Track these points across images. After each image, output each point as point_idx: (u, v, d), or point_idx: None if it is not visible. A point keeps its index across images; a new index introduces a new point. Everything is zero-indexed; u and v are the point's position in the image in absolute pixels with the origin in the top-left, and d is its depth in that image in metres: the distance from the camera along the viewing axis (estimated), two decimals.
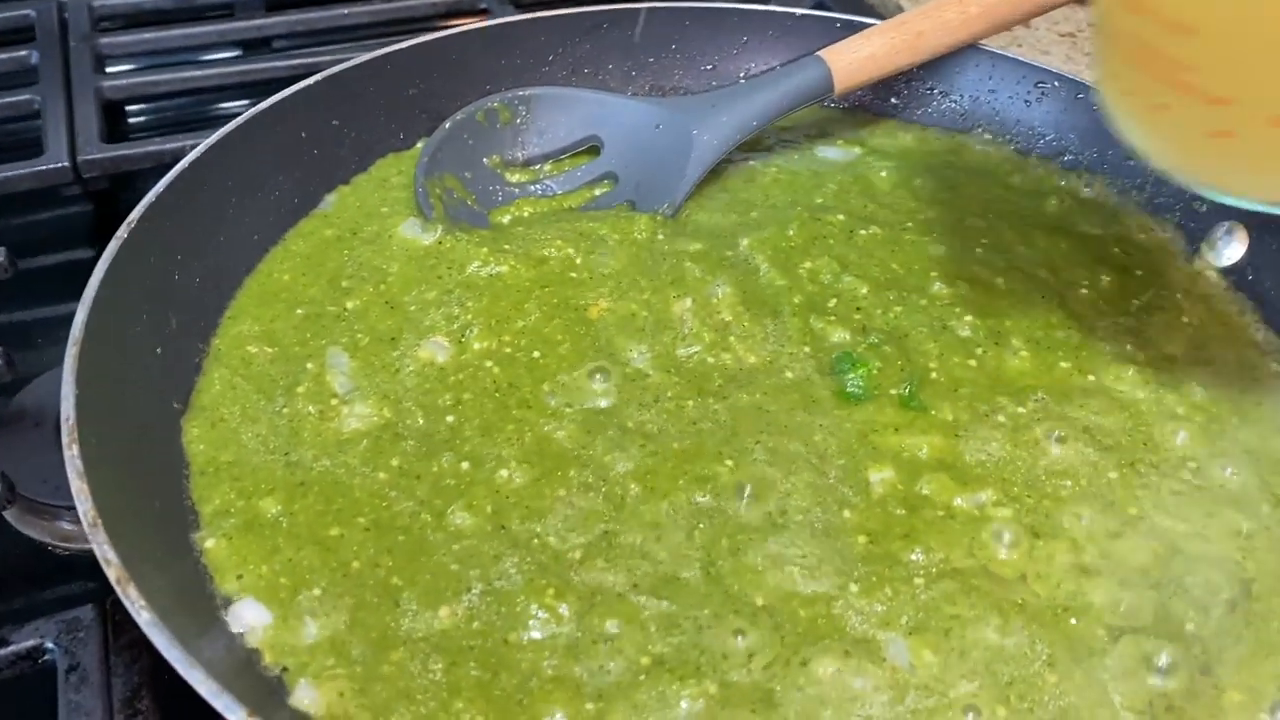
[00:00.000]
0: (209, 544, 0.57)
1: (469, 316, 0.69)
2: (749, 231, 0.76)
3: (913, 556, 0.57)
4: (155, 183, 0.69)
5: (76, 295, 0.61)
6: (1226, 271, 0.77)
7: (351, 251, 0.75)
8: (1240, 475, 0.63)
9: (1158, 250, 0.79)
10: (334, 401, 0.64)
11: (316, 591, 0.54)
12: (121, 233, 0.65)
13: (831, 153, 0.87)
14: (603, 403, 0.65)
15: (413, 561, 0.56)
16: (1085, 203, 0.83)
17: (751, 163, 0.85)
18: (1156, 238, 0.80)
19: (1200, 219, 0.80)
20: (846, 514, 0.59)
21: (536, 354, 0.67)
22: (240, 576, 0.55)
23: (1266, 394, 0.69)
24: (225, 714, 0.44)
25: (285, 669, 0.52)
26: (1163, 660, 0.54)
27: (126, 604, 0.47)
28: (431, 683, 0.51)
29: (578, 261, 0.73)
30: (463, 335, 0.68)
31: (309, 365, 0.66)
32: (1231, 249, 0.78)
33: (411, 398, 0.65)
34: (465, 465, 0.61)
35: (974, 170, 0.86)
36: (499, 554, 0.56)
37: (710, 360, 0.67)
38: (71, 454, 0.52)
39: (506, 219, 0.80)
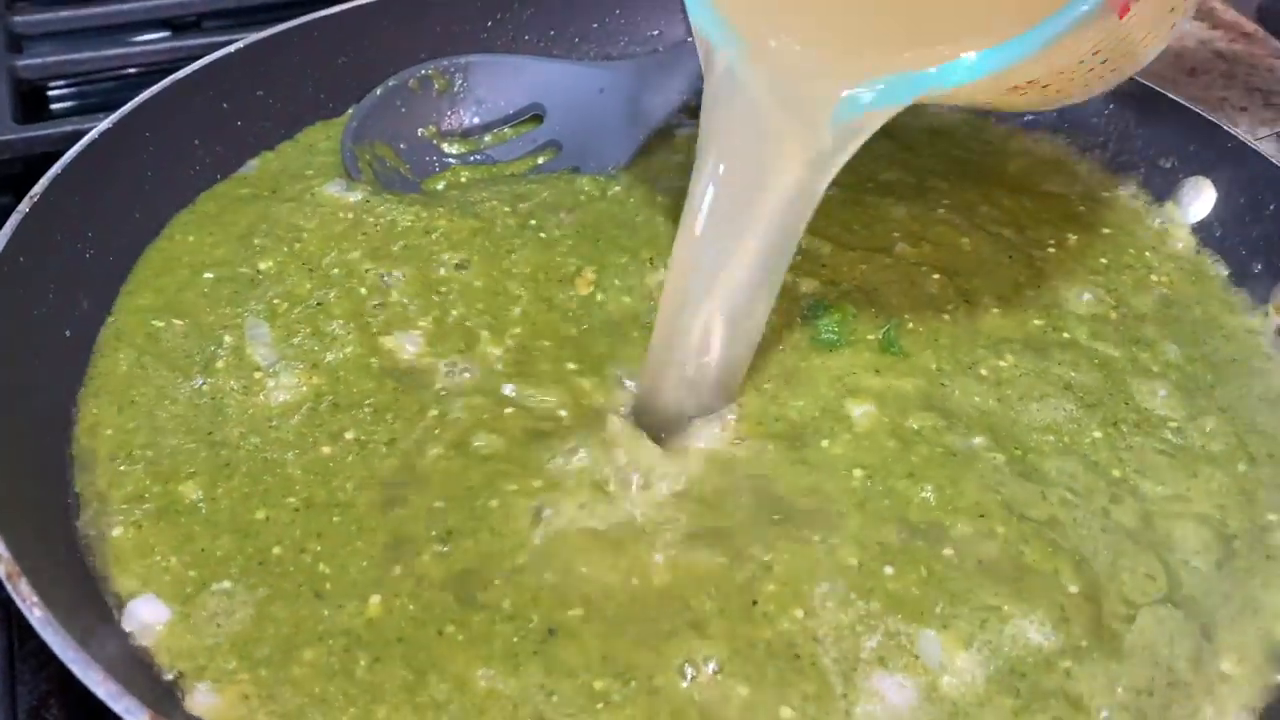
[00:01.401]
0: (115, 533, 0.52)
1: (398, 278, 0.65)
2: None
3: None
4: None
5: None
6: (1195, 229, 0.75)
7: (266, 209, 0.70)
8: (1219, 434, 0.60)
9: (1123, 209, 0.77)
10: (257, 375, 0.60)
11: (226, 584, 0.50)
12: (23, 207, 0.61)
13: None
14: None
15: (346, 545, 0.52)
16: (1047, 162, 0.81)
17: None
18: (1121, 196, 0.78)
19: (1164, 175, 0.77)
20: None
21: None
22: (146, 569, 0.50)
23: (1239, 351, 0.67)
24: (126, 717, 0.39)
25: (180, 673, 0.47)
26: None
27: (17, 601, 0.42)
28: (352, 684, 0.47)
29: (511, 223, 0.69)
30: (393, 299, 0.64)
31: (226, 338, 0.61)
32: (1198, 204, 0.76)
33: (346, 366, 0.60)
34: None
35: (932, 131, 0.83)
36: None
37: None
38: None
39: (441, 185, 0.76)
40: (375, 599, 0.49)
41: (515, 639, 0.48)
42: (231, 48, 0.75)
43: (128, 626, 0.48)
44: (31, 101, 0.95)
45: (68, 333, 0.61)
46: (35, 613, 0.42)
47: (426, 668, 0.47)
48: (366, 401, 0.58)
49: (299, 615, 0.49)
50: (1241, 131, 1.03)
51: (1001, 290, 0.68)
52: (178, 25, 1.12)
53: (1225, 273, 0.72)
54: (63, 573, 0.47)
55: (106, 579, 0.50)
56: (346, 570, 0.51)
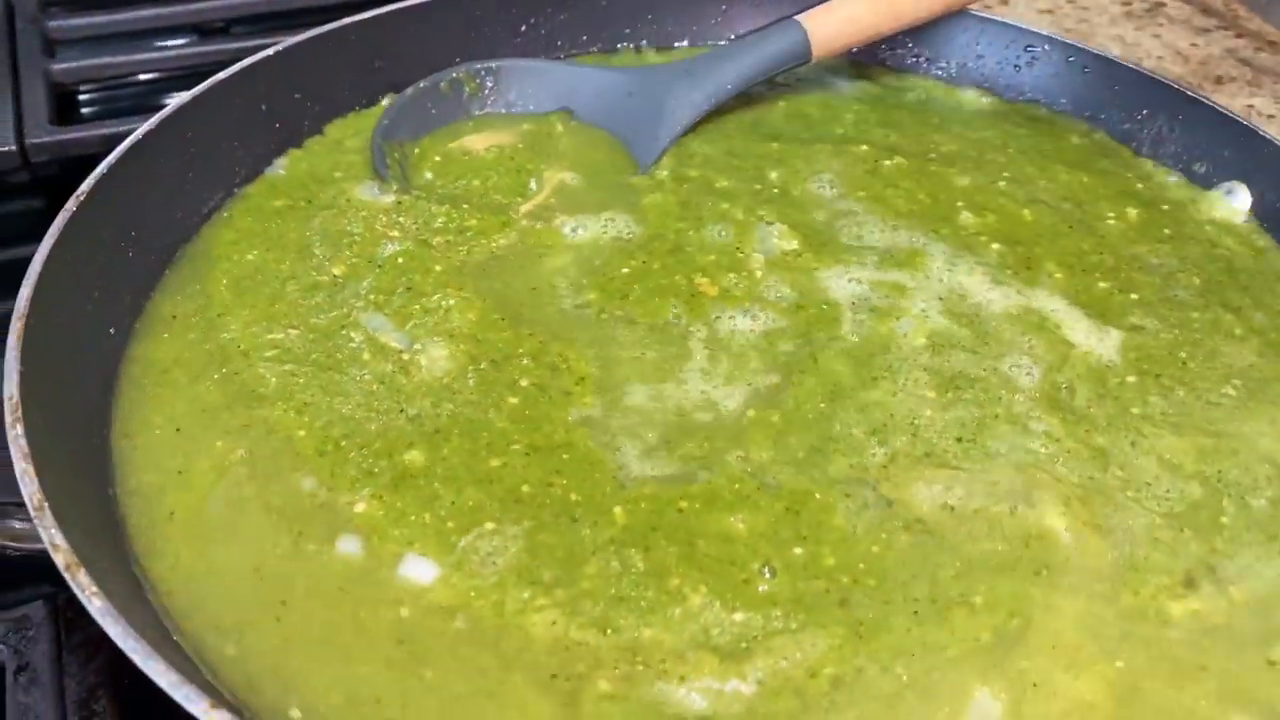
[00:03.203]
0: (359, 509, 0.54)
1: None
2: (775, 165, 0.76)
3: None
4: None
5: None
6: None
7: (308, 220, 0.71)
8: None
9: (1175, 189, 0.78)
10: (405, 357, 0.61)
11: (490, 525, 0.53)
12: (70, 205, 0.61)
13: (841, 83, 0.86)
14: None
15: (584, 476, 0.55)
16: (1100, 144, 0.82)
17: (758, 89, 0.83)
18: (1173, 180, 0.79)
19: (1200, 179, 0.77)
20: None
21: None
22: (404, 533, 0.53)
23: None
24: (186, 706, 0.39)
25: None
26: None
27: (76, 591, 0.42)
28: (639, 575, 0.51)
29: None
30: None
31: (352, 334, 0.62)
32: (1239, 201, 0.76)
33: (476, 327, 0.63)
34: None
35: (980, 112, 0.84)
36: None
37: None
38: (15, 434, 0.48)
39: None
40: (618, 509, 0.53)
41: (737, 486, 0.54)
42: (270, 50, 0.75)
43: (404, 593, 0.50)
44: (64, 104, 0.95)
45: (112, 330, 0.61)
46: (95, 603, 0.42)
47: (688, 537, 0.52)
48: (520, 350, 0.61)
49: (566, 539, 0.52)
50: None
51: (1064, 259, 0.69)
52: (205, 30, 1.13)
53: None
54: (122, 568, 0.47)
55: None
56: (591, 496, 0.54)
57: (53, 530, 0.44)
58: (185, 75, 1.04)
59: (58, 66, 0.96)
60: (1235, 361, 0.62)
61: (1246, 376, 0.62)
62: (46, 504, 0.45)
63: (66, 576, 0.43)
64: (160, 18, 1.06)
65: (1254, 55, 1.22)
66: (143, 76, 1.06)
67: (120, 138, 0.86)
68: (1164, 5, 1.32)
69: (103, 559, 0.46)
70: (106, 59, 0.99)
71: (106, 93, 1.07)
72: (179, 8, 1.07)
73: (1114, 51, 1.22)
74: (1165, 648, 0.50)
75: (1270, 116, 1.11)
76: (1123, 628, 0.50)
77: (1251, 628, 0.51)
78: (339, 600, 0.50)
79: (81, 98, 1.04)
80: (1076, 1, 1.31)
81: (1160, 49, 1.23)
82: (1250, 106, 1.12)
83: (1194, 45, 1.23)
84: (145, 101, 1.09)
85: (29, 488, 0.46)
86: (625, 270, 0.68)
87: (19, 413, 0.49)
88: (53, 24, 1.01)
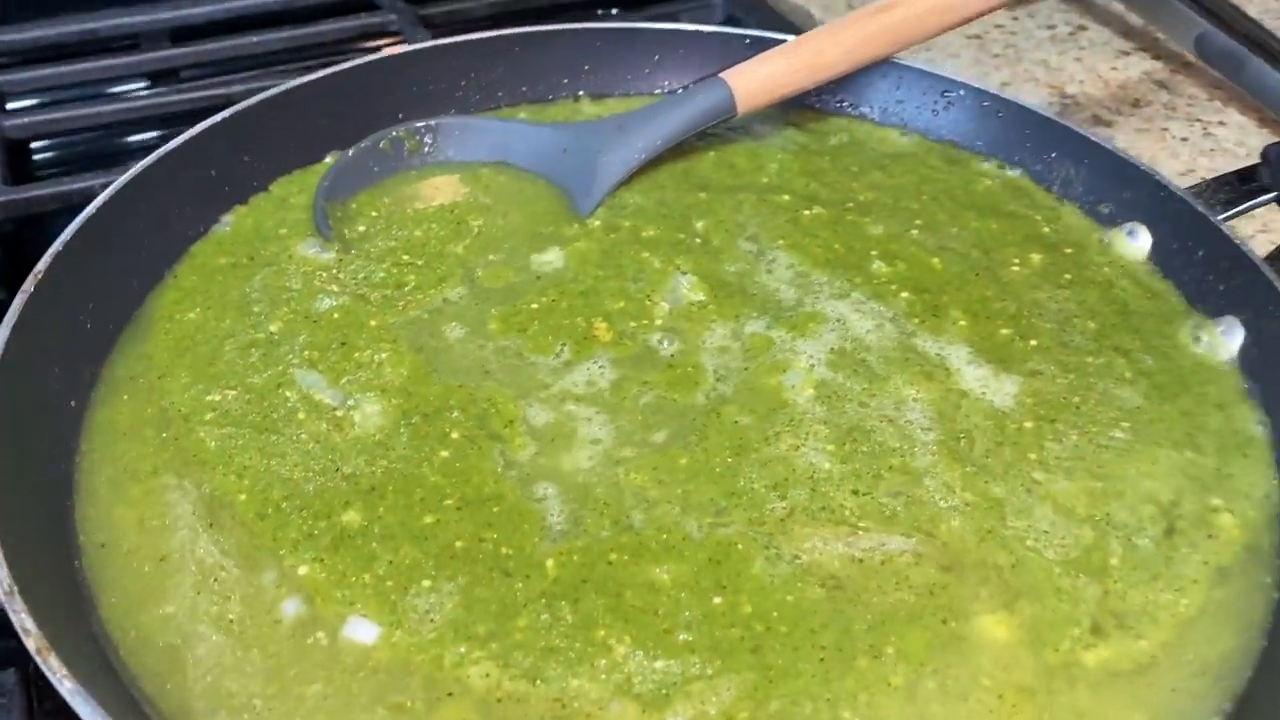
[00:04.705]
0: (302, 571, 0.57)
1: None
2: (702, 215, 0.80)
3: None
4: (64, 221, 0.69)
5: None
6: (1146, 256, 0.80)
7: (250, 276, 0.74)
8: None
9: (1080, 231, 0.82)
10: (339, 414, 0.65)
11: (426, 582, 0.57)
12: (28, 286, 0.64)
13: (768, 130, 0.90)
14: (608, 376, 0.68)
15: (515, 528, 0.59)
16: (1014, 185, 0.86)
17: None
18: (1079, 222, 0.83)
19: (1104, 218, 0.82)
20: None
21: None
22: (345, 595, 0.56)
23: (1198, 362, 0.72)
24: None
25: None
26: None
27: (48, 674, 0.46)
28: (568, 626, 0.55)
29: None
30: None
31: (287, 393, 0.66)
32: (1140, 241, 0.80)
33: (409, 381, 0.66)
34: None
35: (899, 155, 0.88)
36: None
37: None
38: None
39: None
40: (550, 562, 0.57)
41: (664, 537, 0.58)
42: (218, 117, 0.79)
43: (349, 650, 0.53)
44: (15, 156, 0.97)
45: (72, 403, 0.64)
46: (65, 685, 0.45)
47: (616, 588, 0.56)
48: (450, 401, 0.65)
49: (499, 593, 0.56)
50: (1177, 171, 1.08)
51: (969, 305, 0.73)
52: (155, 75, 1.15)
53: (1176, 291, 0.77)
54: (88, 646, 0.50)
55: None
56: (522, 548, 0.58)
57: (23, 615, 0.48)
58: (136, 121, 1.07)
59: (10, 123, 0.98)
60: (1124, 404, 0.67)
61: (1134, 418, 0.66)
62: (16, 589, 0.49)
63: (38, 660, 0.46)
64: (111, 68, 1.09)
65: (1170, 78, 1.27)
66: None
67: (74, 195, 0.90)
68: (1085, 29, 1.37)
69: (69, 634, 0.50)
70: (58, 114, 1.01)
71: (58, 140, 1.10)
72: (130, 58, 1.10)
73: (1039, 74, 1.27)
74: (1079, 697, 0.54)
75: (1184, 139, 1.16)
76: (1038, 680, 0.54)
77: (1166, 670, 0.55)
78: (293, 666, 0.53)
79: (32, 145, 1.07)
80: (1004, 26, 1.36)
81: (1082, 73, 1.28)
82: (1165, 129, 1.18)
83: (1114, 69, 1.29)
84: (96, 147, 1.11)
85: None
86: (534, 306, 0.72)
87: None
88: (3, 78, 1.04)
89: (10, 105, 1.03)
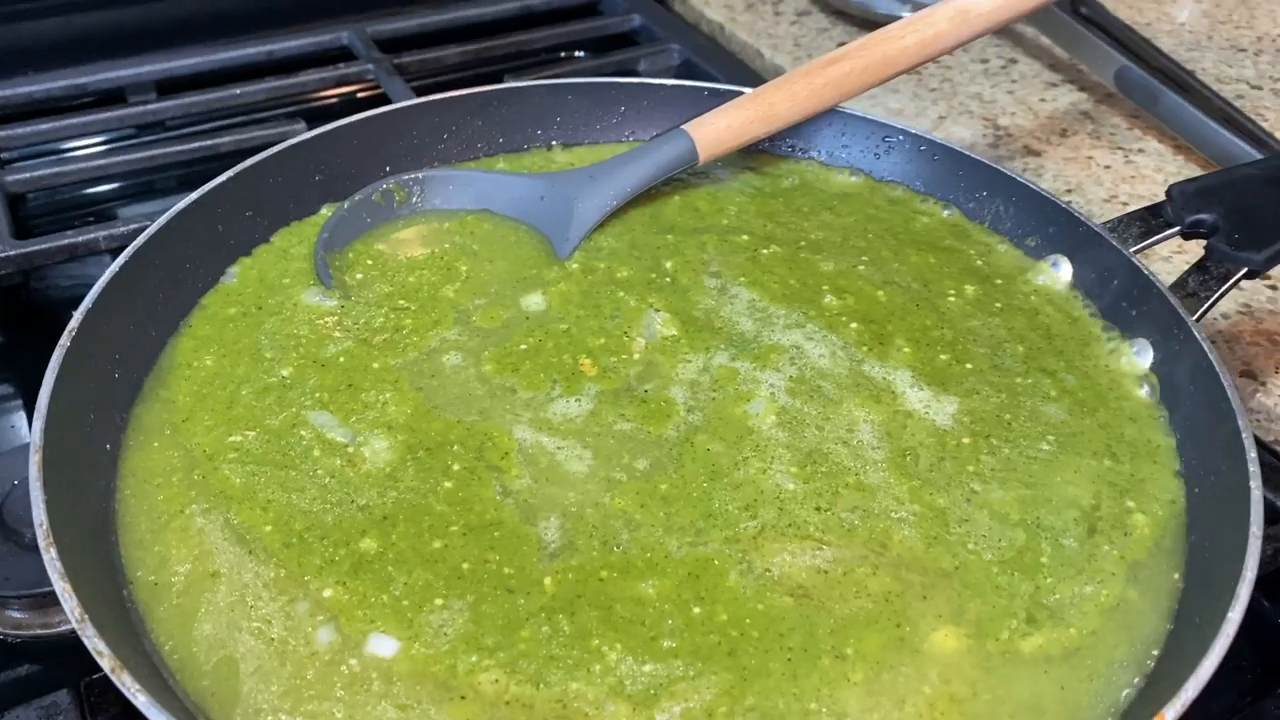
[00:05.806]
0: (326, 594, 0.63)
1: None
2: (670, 255, 0.88)
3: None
4: (64, 270, 0.74)
5: None
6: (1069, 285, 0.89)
7: (259, 324, 0.80)
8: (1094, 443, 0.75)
9: (1009, 263, 0.91)
10: (350, 450, 0.71)
11: (439, 601, 0.63)
12: (64, 341, 0.70)
13: (726, 175, 0.98)
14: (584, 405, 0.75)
15: (515, 550, 0.66)
16: (951, 223, 0.95)
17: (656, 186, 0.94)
18: (1008, 254, 0.92)
19: (1033, 251, 0.91)
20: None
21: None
22: (367, 613, 0.63)
23: (1115, 382, 0.80)
24: None
25: None
26: None
27: (123, 690, 0.52)
28: (565, 636, 0.62)
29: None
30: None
31: (302, 433, 0.72)
32: (1063, 272, 0.89)
33: (412, 418, 0.73)
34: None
35: (846, 195, 0.97)
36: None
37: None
38: (50, 556, 0.57)
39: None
40: (548, 580, 0.64)
41: (648, 555, 0.65)
42: (224, 177, 0.84)
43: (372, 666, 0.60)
44: (16, 209, 1.03)
45: (108, 446, 0.70)
46: (140, 699, 0.52)
47: (608, 602, 0.63)
48: (451, 436, 0.72)
49: (504, 609, 0.62)
50: (1101, 197, 1.18)
51: (912, 334, 0.81)
52: (142, 127, 1.21)
53: (1097, 316, 0.85)
54: (149, 662, 0.57)
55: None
56: (523, 568, 0.64)
57: (95, 639, 0.54)
58: (130, 174, 1.13)
59: (10, 178, 1.04)
60: (1050, 419, 0.76)
61: (1059, 432, 0.75)
62: (88, 616, 0.55)
63: (113, 678, 0.52)
64: (101, 122, 1.15)
65: (1094, 108, 1.37)
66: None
67: (80, 248, 0.96)
68: (1016, 62, 1.47)
69: (133, 656, 0.57)
70: (58, 168, 1.07)
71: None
72: (119, 112, 1.16)
73: (973, 108, 1.37)
74: (1019, 682, 0.62)
75: (1107, 167, 1.26)
76: (984, 667, 0.62)
77: (1090, 653, 0.63)
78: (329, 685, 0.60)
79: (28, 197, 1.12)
80: (940, 61, 1.45)
81: (1014, 105, 1.37)
82: (1090, 158, 1.27)
83: (1043, 100, 1.39)
84: (87, 198, 1.17)
85: (70, 603, 0.56)
86: (523, 346, 0.79)
87: (50, 537, 0.59)
88: (2, 133, 1.09)
89: (4, 160, 1.08)
